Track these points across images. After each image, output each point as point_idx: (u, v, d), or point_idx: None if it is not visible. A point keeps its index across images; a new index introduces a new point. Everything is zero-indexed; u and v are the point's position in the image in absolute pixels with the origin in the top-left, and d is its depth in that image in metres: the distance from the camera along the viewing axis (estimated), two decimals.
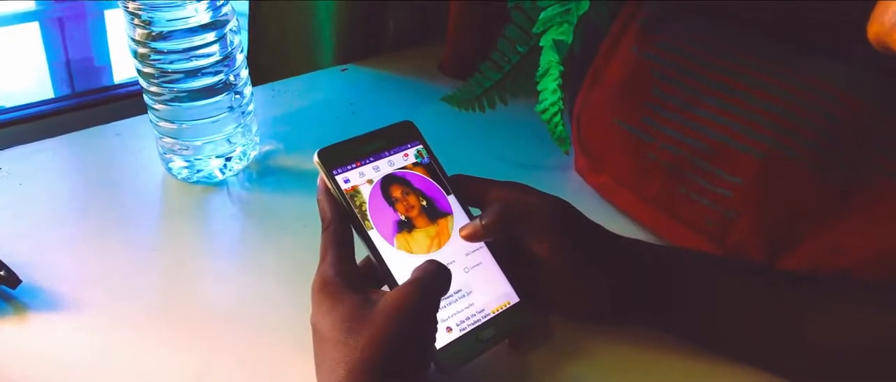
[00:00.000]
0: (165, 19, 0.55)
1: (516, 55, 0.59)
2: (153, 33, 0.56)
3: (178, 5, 0.55)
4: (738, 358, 0.49)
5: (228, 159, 0.64)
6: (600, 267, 0.49)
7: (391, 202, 0.48)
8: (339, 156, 0.48)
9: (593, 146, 0.65)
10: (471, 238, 0.49)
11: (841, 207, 0.54)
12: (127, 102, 0.82)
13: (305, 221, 0.60)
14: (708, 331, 0.49)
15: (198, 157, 0.63)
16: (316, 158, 0.48)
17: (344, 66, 0.86)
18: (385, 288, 0.47)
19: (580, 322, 0.52)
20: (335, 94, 0.81)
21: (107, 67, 0.89)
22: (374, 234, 0.47)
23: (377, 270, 0.46)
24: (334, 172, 0.48)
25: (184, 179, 0.64)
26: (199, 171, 0.64)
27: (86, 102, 0.82)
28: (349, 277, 0.43)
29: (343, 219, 0.47)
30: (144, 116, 0.69)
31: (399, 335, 0.39)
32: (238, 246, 0.59)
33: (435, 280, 0.43)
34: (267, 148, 0.69)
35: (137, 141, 0.69)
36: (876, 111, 0.53)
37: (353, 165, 0.49)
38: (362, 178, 0.48)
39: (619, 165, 0.63)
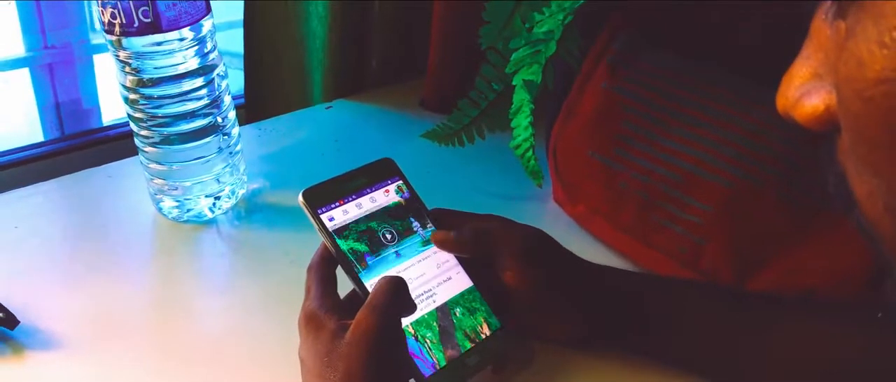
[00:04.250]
0: (153, 67, 0.58)
1: (492, 93, 0.62)
2: (143, 80, 0.58)
3: (167, 53, 0.57)
4: (709, 377, 0.51)
5: (217, 198, 0.66)
6: (573, 296, 0.51)
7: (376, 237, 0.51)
8: (322, 196, 0.51)
9: (570, 177, 0.68)
10: (441, 244, 0.51)
11: (804, 231, 0.56)
12: (116, 144, 0.84)
13: (293, 257, 0.62)
14: (682, 353, 0.51)
15: (187, 197, 0.65)
16: (300, 199, 0.50)
17: (329, 104, 0.88)
18: None
19: (560, 346, 0.54)
20: (320, 131, 0.83)
21: (95, 109, 0.92)
22: (357, 268, 0.49)
23: (362, 302, 0.48)
24: (319, 211, 0.50)
25: (174, 219, 0.66)
26: (188, 210, 0.66)
27: (76, 145, 0.84)
28: (332, 310, 0.45)
29: (327, 257, 0.49)
30: (134, 158, 0.71)
31: (367, 362, 0.41)
32: (227, 283, 0.61)
33: (385, 295, 0.43)
34: (254, 186, 0.72)
35: (128, 182, 0.71)
36: (836, 138, 0.56)
37: (337, 203, 0.51)
38: (346, 216, 0.51)
39: (595, 195, 0.66)
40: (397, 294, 0.44)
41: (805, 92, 0.24)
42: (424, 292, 0.50)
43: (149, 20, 0.56)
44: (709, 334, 0.51)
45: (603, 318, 0.52)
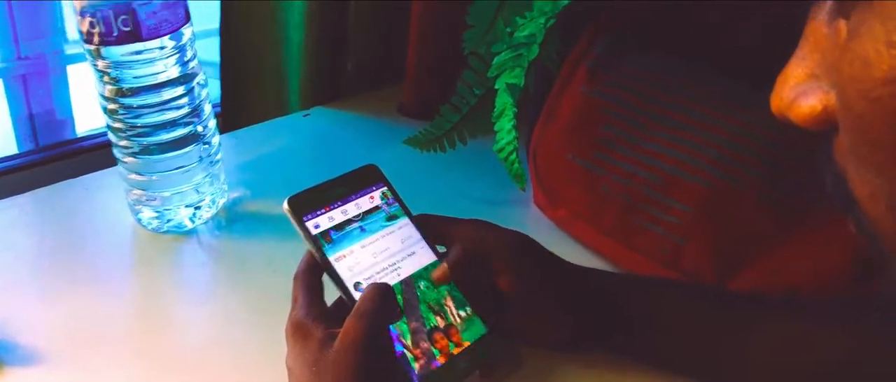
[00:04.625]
0: (133, 76, 0.57)
1: (474, 98, 0.63)
2: (123, 89, 0.58)
3: (147, 62, 0.57)
4: (694, 377, 0.52)
5: (198, 208, 0.66)
6: (562, 299, 0.52)
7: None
8: (307, 203, 0.50)
9: (550, 181, 0.68)
10: (440, 281, 0.51)
11: (786, 232, 0.57)
12: (92, 155, 0.83)
13: (275, 266, 0.62)
14: (666, 354, 0.52)
15: (167, 207, 0.64)
16: (285, 206, 0.50)
17: (307, 112, 0.88)
18: None
19: (548, 350, 0.54)
20: (299, 139, 0.83)
21: (69, 120, 0.90)
22: (344, 275, 0.49)
23: (348, 310, 0.48)
24: (304, 218, 0.50)
25: (154, 229, 0.65)
26: (169, 221, 0.65)
27: (51, 157, 0.83)
28: (319, 318, 0.45)
29: (312, 264, 0.49)
30: (112, 169, 0.71)
31: (356, 369, 0.41)
32: (209, 293, 0.61)
33: (372, 302, 0.43)
34: (235, 195, 0.71)
35: (106, 193, 0.71)
36: (814, 137, 0.57)
37: (322, 210, 0.51)
38: (331, 222, 0.51)
39: (576, 199, 0.66)
40: (385, 300, 0.44)
41: (801, 92, 0.24)
42: (389, 265, 0.50)
43: (128, 29, 0.55)
44: (692, 334, 0.51)
45: (590, 319, 0.52)
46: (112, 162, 0.69)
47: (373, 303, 0.43)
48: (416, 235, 0.52)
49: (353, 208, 0.52)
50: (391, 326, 0.47)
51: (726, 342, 0.50)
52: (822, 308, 0.52)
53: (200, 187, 0.65)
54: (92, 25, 0.55)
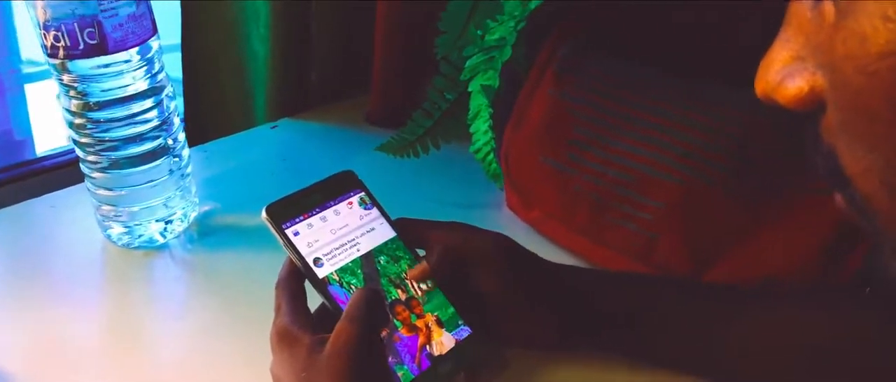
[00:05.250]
0: (101, 90, 0.56)
1: (445, 102, 0.63)
2: (90, 103, 0.57)
3: (115, 75, 0.56)
4: (681, 370, 0.52)
5: (169, 222, 0.65)
6: (544, 297, 0.52)
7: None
8: (286, 210, 0.50)
9: (522, 183, 0.69)
10: (418, 278, 0.51)
11: (756, 222, 0.58)
12: (55, 174, 0.82)
13: (252, 277, 0.61)
14: (651, 347, 0.53)
15: (137, 223, 0.63)
16: (264, 214, 0.49)
17: (274, 124, 0.87)
18: None
19: (532, 350, 0.54)
20: (268, 151, 0.82)
21: (29, 140, 0.88)
22: (326, 280, 0.49)
23: (331, 314, 0.48)
24: (283, 226, 0.49)
25: (124, 245, 0.64)
26: (139, 236, 0.64)
27: (11, 177, 0.81)
28: (305, 325, 0.45)
29: (294, 272, 0.49)
30: (77, 186, 0.69)
31: (349, 373, 0.41)
32: (185, 307, 0.60)
33: (362, 307, 0.43)
34: (205, 208, 0.70)
35: (72, 211, 0.69)
36: (780, 131, 0.58)
37: (301, 217, 0.50)
38: (311, 229, 0.50)
39: (549, 199, 0.67)
40: (375, 305, 0.44)
41: (787, 74, 0.25)
42: (348, 241, 0.51)
43: (94, 42, 0.54)
44: (675, 326, 0.52)
45: (573, 317, 0.52)
46: (76, 180, 0.68)
47: (363, 308, 0.43)
48: (376, 213, 0.53)
49: (331, 214, 0.52)
50: (343, 287, 0.48)
51: (708, 332, 0.51)
52: (799, 295, 0.54)
53: (171, 201, 0.64)
54: (57, 39, 0.54)
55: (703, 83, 0.62)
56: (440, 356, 0.49)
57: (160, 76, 0.60)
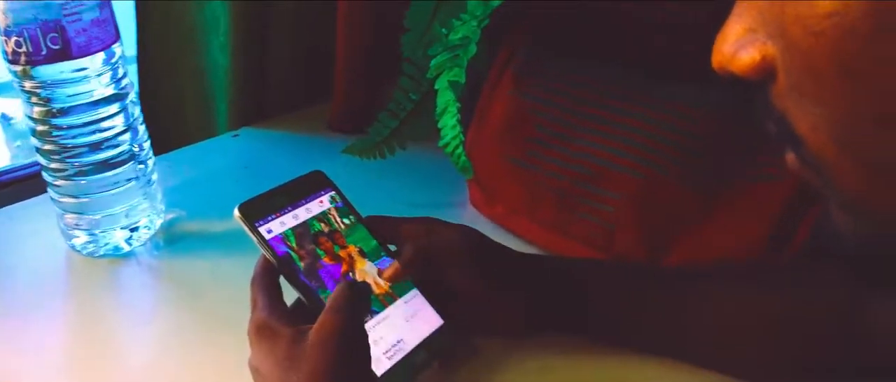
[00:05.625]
0: (66, 95, 0.56)
1: (411, 103, 0.65)
2: (53, 110, 0.56)
3: (80, 80, 0.56)
4: (642, 349, 0.55)
5: (134, 230, 0.64)
6: (510, 285, 0.54)
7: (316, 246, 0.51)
8: (258, 209, 0.51)
9: (486, 180, 0.71)
10: (393, 279, 0.52)
11: (707, 209, 0.61)
12: (11, 189, 0.80)
13: (220, 281, 0.62)
14: (612, 328, 0.55)
15: (102, 231, 0.63)
16: (237, 213, 0.50)
17: (235, 132, 0.87)
18: None
19: (501, 337, 0.56)
20: (231, 159, 0.82)
21: None
22: (302, 275, 0.49)
23: (307, 308, 0.49)
24: (256, 224, 0.50)
25: (89, 254, 0.64)
26: (105, 244, 0.63)
27: None
28: (283, 318, 0.45)
29: (268, 268, 0.49)
30: (36, 198, 0.69)
31: (333, 361, 0.41)
32: (155, 313, 0.60)
33: (347, 297, 0.44)
34: (171, 216, 0.70)
35: (33, 223, 0.68)
36: (727, 123, 0.61)
37: (274, 216, 0.51)
38: (284, 227, 0.51)
39: (512, 195, 0.69)
40: (359, 296, 0.45)
41: (740, 46, 0.27)
42: None
43: (58, 47, 0.54)
44: (635, 307, 0.54)
45: (539, 303, 0.54)
46: (34, 193, 0.67)
47: (348, 298, 0.44)
48: (346, 210, 0.55)
49: (303, 212, 0.53)
50: (268, 219, 0.50)
51: (667, 311, 0.53)
52: (750, 274, 0.57)
53: (137, 208, 0.63)
54: (18, 45, 0.54)
55: (655, 80, 0.64)
56: (419, 343, 0.51)
57: (124, 81, 0.60)
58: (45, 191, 0.63)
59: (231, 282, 0.61)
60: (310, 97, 0.95)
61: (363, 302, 0.46)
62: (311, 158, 0.82)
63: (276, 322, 0.44)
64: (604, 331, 0.55)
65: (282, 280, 0.49)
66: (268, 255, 0.50)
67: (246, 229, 0.50)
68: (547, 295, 0.54)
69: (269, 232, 0.50)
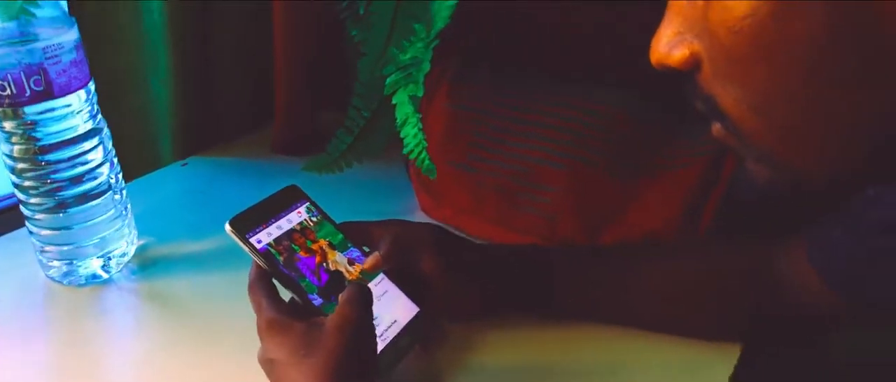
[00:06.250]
0: (50, 132, 0.60)
1: (363, 119, 0.71)
2: (36, 148, 0.60)
3: (64, 117, 0.60)
4: (599, 319, 0.63)
5: (110, 258, 0.68)
6: (473, 273, 0.61)
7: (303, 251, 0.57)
8: (246, 223, 0.56)
9: (433, 186, 0.78)
10: (373, 268, 0.59)
11: (631, 195, 0.71)
12: None
13: (200, 297, 0.66)
14: (567, 303, 0.63)
15: (81, 260, 0.66)
16: (228, 227, 0.55)
17: (184, 161, 0.91)
18: None
19: (468, 320, 0.63)
20: (186, 186, 0.86)
21: None
22: (282, 267, 0.55)
23: (302, 307, 0.55)
24: (247, 236, 0.56)
25: (69, 283, 0.67)
26: (84, 273, 0.67)
27: None
28: (291, 314, 0.51)
29: (262, 273, 0.55)
30: (9, 235, 0.71)
31: (349, 345, 0.48)
32: (140, 334, 0.64)
33: (361, 296, 0.51)
34: (141, 242, 0.74)
35: (10, 258, 0.71)
36: (644, 122, 0.71)
37: (261, 227, 0.57)
38: (270, 237, 0.57)
39: (458, 197, 0.77)
40: (369, 296, 0.51)
41: (672, 46, 0.36)
42: None
43: (41, 88, 0.58)
44: (584, 283, 0.63)
45: (499, 287, 0.62)
46: (8, 228, 0.70)
47: (360, 294, 0.51)
48: (321, 218, 0.61)
49: (285, 222, 0.58)
50: (256, 231, 0.56)
51: (615, 285, 0.62)
52: (672, 247, 0.66)
53: (115, 235, 0.67)
54: (2, 88, 0.57)
55: (577, 85, 0.74)
56: (397, 335, 0.57)
57: (99, 117, 0.64)
58: (21, 226, 0.65)
59: (211, 297, 0.66)
60: (254, 122, 0.99)
61: (370, 299, 0.52)
62: (263, 181, 0.87)
63: (286, 318, 0.50)
64: (567, 307, 0.63)
65: None
66: (260, 262, 0.55)
67: (238, 241, 0.55)
68: (513, 279, 0.62)
69: (259, 242, 0.56)
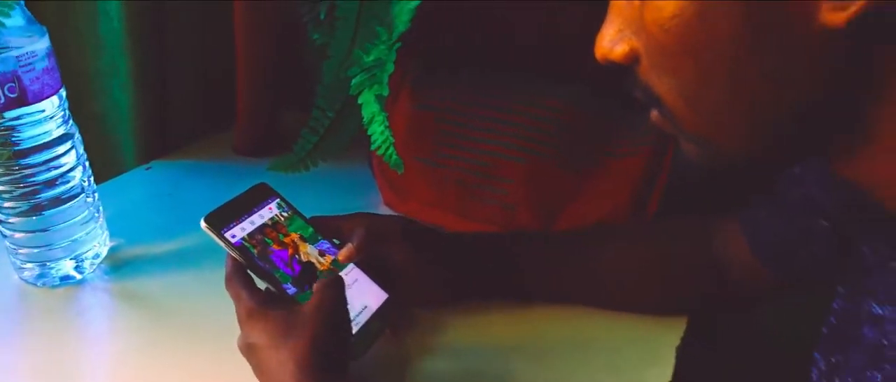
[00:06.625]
0: (27, 137, 0.62)
1: (328, 119, 0.74)
2: (12, 152, 0.62)
3: (40, 122, 0.61)
4: (561, 300, 0.67)
5: (83, 259, 0.70)
6: (440, 261, 0.65)
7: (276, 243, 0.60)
8: (221, 219, 0.59)
9: (397, 181, 0.82)
10: (348, 259, 0.62)
11: (582, 184, 0.76)
12: None
13: (174, 295, 0.68)
14: (540, 286, 0.67)
15: (55, 262, 0.68)
16: (204, 224, 0.58)
17: (147, 165, 0.93)
18: None
19: (436, 306, 0.67)
20: (151, 189, 0.88)
21: None
22: (257, 260, 0.58)
23: (277, 297, 0.58)
24: (223, 231, 0.58)
25: (43, 285, 0.68)
26: (57, 275, 0.68)
27: None
28: (270, 302, 0.54)
29: (238, 266, 0.58)
30: None
31: (327, 327, 0.51)
32: (115, 332, 0.66)
33: (336, 283, 0.54)
34: (112, 244, 0.75)
35: None
36: (592, 116, 0.76)
37: (234, 223, 0.60)
38: (244, 232, 0.60)
39: (422, 191, 0.80)
40: (342, 283, 0.54)
41: (614, 43, 0.40)
42: None
43: (15, 95, 0.60)
44: (545, 266, 0.67)
45: (465, 273, 0.66)
46: None
47: (334, 281, 0.54)
48: (291, 213, 0.64)
49: (257, 217, 0.61)
50: (231, 227, 0.58)
51: (574, 268, 0.67)
52: (623, 231, 0.71)
53: (88, 237, 0.69)
54: None
55: (529, 82, 0.78)
56: (369, 320, 0.61)
57: (70, 122, 0.66)
58: None
59: (182, 295, 0.69)
60: (214, 125, 1.01)
61: (343, 287, 0.55)
62: (228, 182, 0.89)
63: (265, 306, 0.53)
64: (529, 290, 0.67)
65: None
66: (235, 256, 0.58)
67: (213, 236, 0.58)
68: (479, 266, 0.66)
69: (234, 237, 0.59)
